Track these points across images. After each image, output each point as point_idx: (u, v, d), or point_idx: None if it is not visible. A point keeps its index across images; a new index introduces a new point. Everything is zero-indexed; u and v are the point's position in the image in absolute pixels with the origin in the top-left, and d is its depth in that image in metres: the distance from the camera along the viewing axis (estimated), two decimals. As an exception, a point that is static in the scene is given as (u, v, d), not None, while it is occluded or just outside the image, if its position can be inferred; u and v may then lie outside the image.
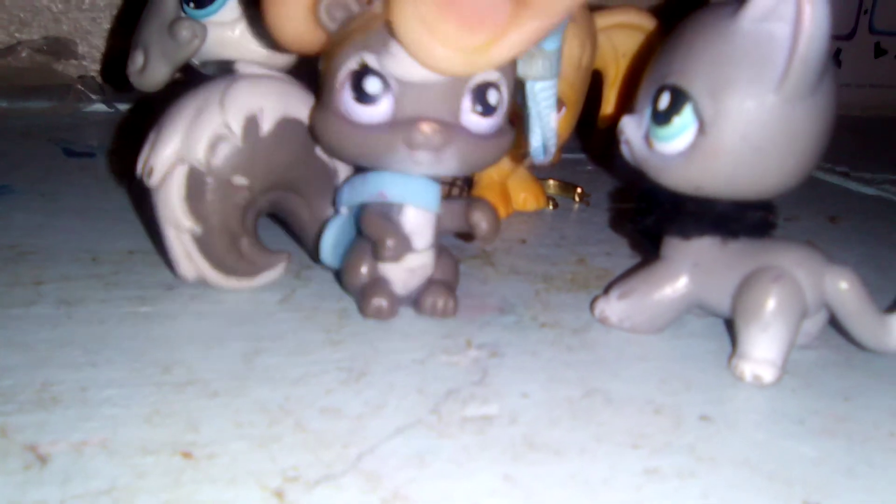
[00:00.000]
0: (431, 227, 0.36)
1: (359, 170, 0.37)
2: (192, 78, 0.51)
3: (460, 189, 0.51)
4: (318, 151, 0.38)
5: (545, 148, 0.37)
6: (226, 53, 0.47)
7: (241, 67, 0.37)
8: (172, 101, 0.36)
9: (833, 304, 0.33)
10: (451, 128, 0.33)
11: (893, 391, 0.33)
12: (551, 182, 0.58)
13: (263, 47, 0.47)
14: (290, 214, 0.40)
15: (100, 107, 0.73)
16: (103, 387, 0.29)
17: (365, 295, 0.36)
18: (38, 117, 0.68)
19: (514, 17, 0.31)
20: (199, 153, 0.34)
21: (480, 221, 0.37)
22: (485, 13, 0.31)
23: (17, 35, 0.79)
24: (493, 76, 0.34)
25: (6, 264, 0.38)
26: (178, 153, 0.34)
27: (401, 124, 0.33)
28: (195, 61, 0.49)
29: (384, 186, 0.35)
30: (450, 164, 0.34)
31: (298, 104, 0.37)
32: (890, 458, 0.29)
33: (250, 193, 0.36)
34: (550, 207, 0.54)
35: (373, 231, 0.35)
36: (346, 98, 0.33)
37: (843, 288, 0.33)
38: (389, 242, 0.34)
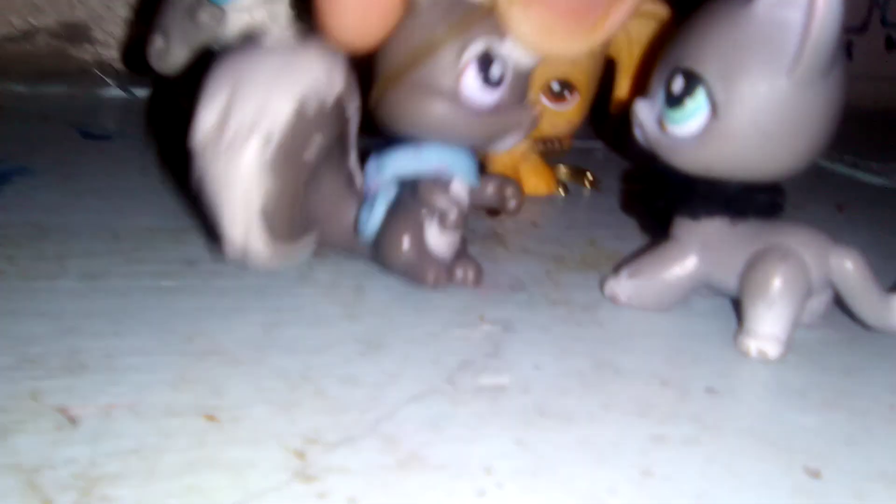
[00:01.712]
0: (466, 204, 0.37)
1: (389, 143, 0.38)
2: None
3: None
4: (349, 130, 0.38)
5: None
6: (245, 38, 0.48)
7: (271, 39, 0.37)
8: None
9: (837, 283, 0.34)
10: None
11: (892, 368, 0.34)
12: (562, 167, 0.58)
13: (282, 33, 0.48)
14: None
15: (116, 91, 0.74)
16: (128, 354, 0.30)
17: (421, 265, 0.37)
18: (56, 101, 0.69)
19: None
20: (285, 115, 0.33)
21: (512, 197, 0.38)
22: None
23: (32, 21, 0.79)
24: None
25: (30, 241, 0.39)
26: (252, 118, 0.33)
27: (514, 108, 0.36)
28: (215, 46, 0.49)
29: (442, 160, 0.36)
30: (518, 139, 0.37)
31: (345, 85, 0.36)
32: (888, 429, 0.29)
33: (319, 151, 0.35)
34: (562, 192, 0.55)
35: (439, 201, 0.36)
36: (467, 81, 0.35)
37: (847, 267, 0.34)
38: (457, 212, 0.36)
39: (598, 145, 0.69)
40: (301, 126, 0.33)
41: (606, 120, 0.58)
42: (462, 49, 0.34)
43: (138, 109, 0.70)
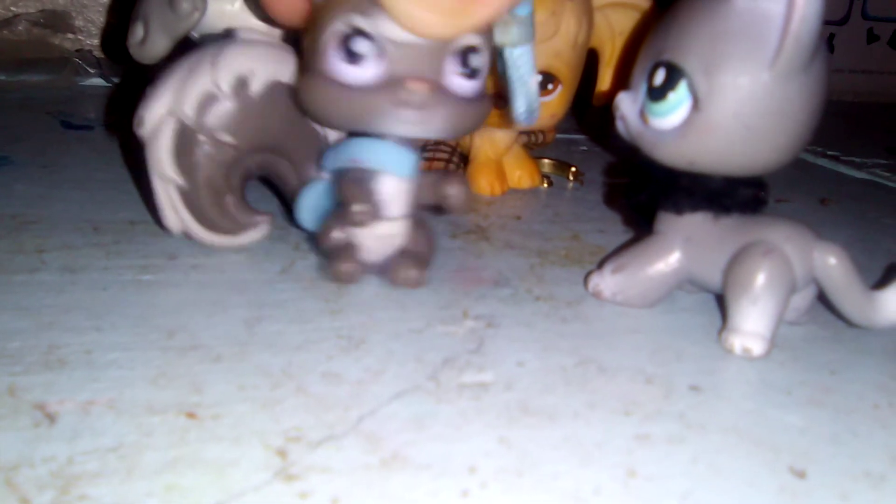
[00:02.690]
0: (406, 197, 0.36)
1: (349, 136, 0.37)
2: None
3: (456, 165, 0.51)
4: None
5: (529, 112, 0.37)
6: (225, 26, 0.48)
7: (241, 33, 0.38)
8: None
9: (821, 279, 0.34)
10: (437, 87, 0.34)
11: (878, 366, 0.34)
12: (546, 161, 0.58)
13: (262, 20, 0.48)
14: (278, 178, 0.40)
15: (97, 80, 0.73)
16: (108, 350, 0.30)
17: (333, 258, 0.36)
18: (36, 90, 0.68)
19: None
20: (189, 109, 0.36)
21: (451, 193, 0.37)
22: None
23: (13, 8, 0.79)
24: (475, 40, 0.34)
25: (9, 233, 0.39)
26: (168, 108, 0.36)
27: (389, 83, 0.33)
28: (195, 34, 0.49)
29: (359, 153, 0.36)
30: (435, 126, 0.35)
31: (291, 70, 0.37)
32: (873, 428, 0.29)
33: (236, 152, 0.37)
34: (545, 185, 0.55)
35: (345, 194, 0.35)
36: (333, 59, 0.33)
37: (831, 263, 0.34)
38: (356, 207, 0.35)
39: (581, 138, 0.69)
40: (211, 112, 0.36)
41: (589, 113, 0.58)
42: (326, 26, 0.33)
43: (120, 99, 0.69)
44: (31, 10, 0.78)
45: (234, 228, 0.39)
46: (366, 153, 0.36)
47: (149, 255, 0.38)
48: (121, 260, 0.37)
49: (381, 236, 0.36)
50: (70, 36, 0.79)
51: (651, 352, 0.33)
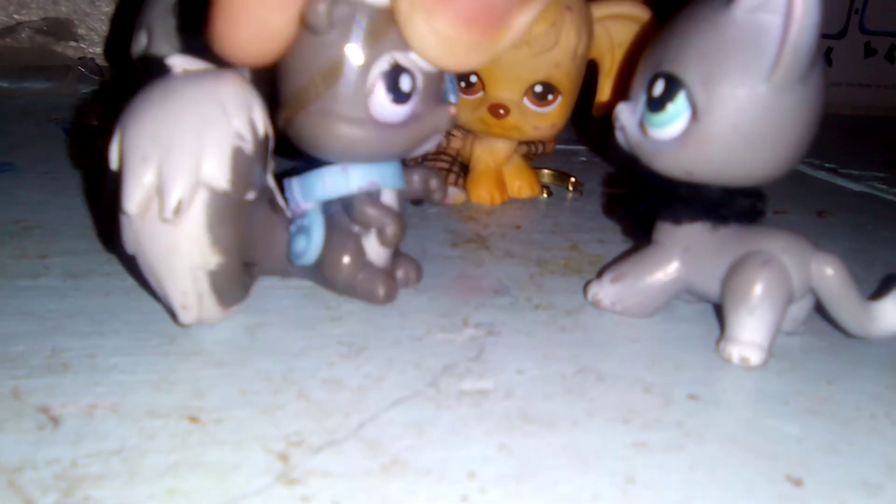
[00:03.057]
0: (398, 204, 0.37)
1: (308, 164, 0.36)
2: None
3: (457, 175, 0.52)
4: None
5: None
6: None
7: (175, 62, 0.31)
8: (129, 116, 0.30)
9: (818, 290, 0.34)
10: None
11: (875, 376, 0.34)
12: (545, 171, 0.59)
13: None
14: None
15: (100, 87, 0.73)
16: (111, 354, 0.30)
17: (370, 282, 0.36)
18: (38, 97, 0.69)
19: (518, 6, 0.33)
20: (222, 172, 0.29)
21: (436, 189, 0.39)
22: (491, 9, 0.33)
23: (16, 16, 0.79)
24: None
25: (12, 238, 0.39)
26: (195, 177, 0.29)
27: (429, 114, 0.34)
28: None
29: (370, 178, 0.35)
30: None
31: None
32: (869, 438, 0.30)
33: (251, 207, 0.33)
34: (545, 195, 0.55)
35: (375, 219, 0.35)
36: (377, 101, 0.33)
37: (828, 274, 0.34)
38: (396, 226, 0.35)
39: (581, 148, 0.69)
40: (241, 168, 0.30)
41: (589, 123, 0.58)
42: (367, 68, 0.32)
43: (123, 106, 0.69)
44: (34, 18, 0.78)
45: (244, 296, 0.34)
46: (375, 177, 0.35)
47: (151, 261, 0.38)
48: (123, 265, 0.37)
49: (384, 248, 0.37)
50: (73, 44, 0.80)
51: (650, 361, 0.34)
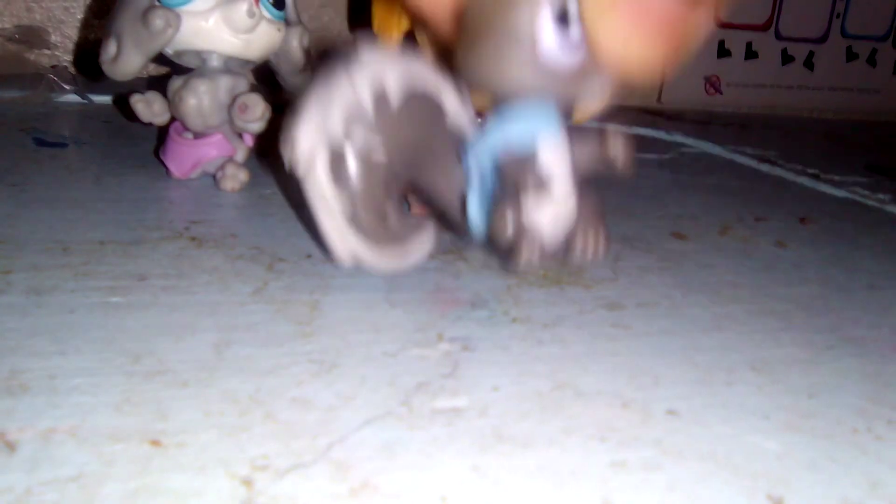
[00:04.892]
0: (567, 168, 0.35)
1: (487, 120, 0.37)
2: (172, 68, 0.51)
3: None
4: (448, 123, 0.38)
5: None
6: (200, 43, 0.48)
7: (362, 53, 0.37)
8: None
9: None
10: None
11: (856, 389, 0.34)
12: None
13: (237, 38, 0.48)
14: (430, 188, 0.39)
15: (72, 97, 0.72)
16: (72, 375, 0.29)
17: (515, 249, 0.34)
18: (9, 106, 0.67)
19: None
20: (337, 132, 0.35)
21: (616, 154, 0.35)
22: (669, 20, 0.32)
23: (-12, 24, 0.78)
24: None
25: (-25, 253, 0.38)
26: (317, 139, 0.35)
27: (592, 66, 0.33)
28: (169, 51, 0.48)
29: (506, 137, 0.35)
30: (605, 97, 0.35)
31: (424, 78, 0.37)
32: (851, 453, 0.29)
33: (389, 168, 0.37)
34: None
35: (512, 173, 0.34)
36: (544, 34, 0.32)
37: None
38: (530, 175, 0.34)
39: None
40: (359, 136, 0.36)
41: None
42: (530, 8, 0.32)
43: (96, 116, 0.68)
44: (7, 26, 0.77)
45: (402, 241, 0.38)
46: (515, 129, 0.34)
47: (118, 276, 0.37)
48: (89, 281, 0.36)
49: (554, 217, 0.35)
50: (46, 52, 0.79)
51: (628, 376, 0.33)
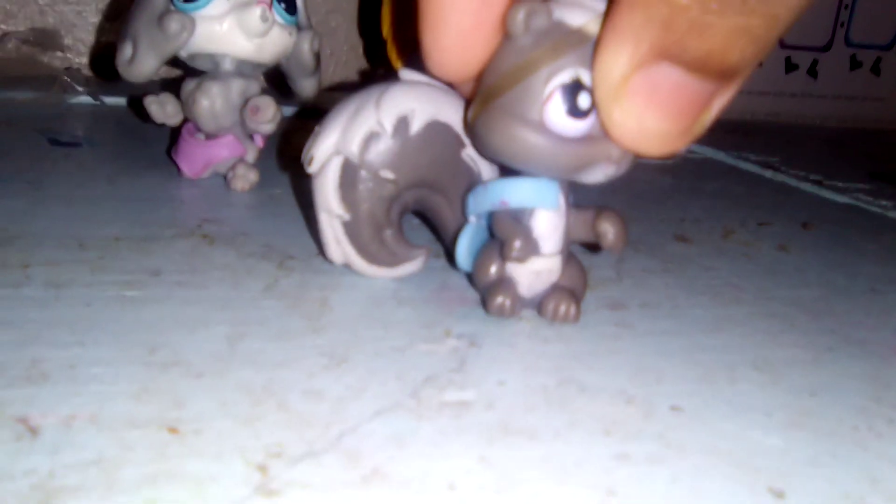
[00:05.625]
0: (560, 233, 0.36)
1: (503, 173, 0.39)
2: (185, 71, 0.52)
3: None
4: (464, 155, 0.39)
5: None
6: (213, 47, 0.48)
7: (404, 74, 0.39)
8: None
9: None
10: None
11: (858, 389, 0.34)
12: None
13: (250, 42, 0.48)
14: (433, 213, 0.41)
15: (85, 98, 0.73)
16: (91, 365, 0.30)
17: (490, 293, 0.37)
18: (24, 107, 0.68)
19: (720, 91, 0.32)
20: (354, 147, 0.37)
21: (608, 231, 0.36)
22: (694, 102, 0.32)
23: (2, 26, 0.79)
24: None
25: (-7, 248, 0.39)
26: (335, 146, 0.37)
27: (601, 140, 0.33)
28: (183, 54, 0.49)
29: (504, 195, 0.36)
30: (617, 174, 0.35)
31: (450, 109, 0.39)
32: (852, 450, 0.30)
33: (396, 188, 0.38)
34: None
35: (502, 232, 0.36)
36: (552, 109, 0.33)
37: None
38: (517, 243, 0.35)
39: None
40: (372, 148, 0.37)
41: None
42: (550, 76, 0.33)
43: (109, 117, 0.69)
44: (21, 29, 0.78)
45: (393, 261, 0.40)
46: (511, 194, 0.36)
47: (133, 271, 0.38)
48: (105, 276, 0.37)
49: (536, 272, 0.37)
50: (59, 54, 0.80)
51: (632, 373, 0.34)
